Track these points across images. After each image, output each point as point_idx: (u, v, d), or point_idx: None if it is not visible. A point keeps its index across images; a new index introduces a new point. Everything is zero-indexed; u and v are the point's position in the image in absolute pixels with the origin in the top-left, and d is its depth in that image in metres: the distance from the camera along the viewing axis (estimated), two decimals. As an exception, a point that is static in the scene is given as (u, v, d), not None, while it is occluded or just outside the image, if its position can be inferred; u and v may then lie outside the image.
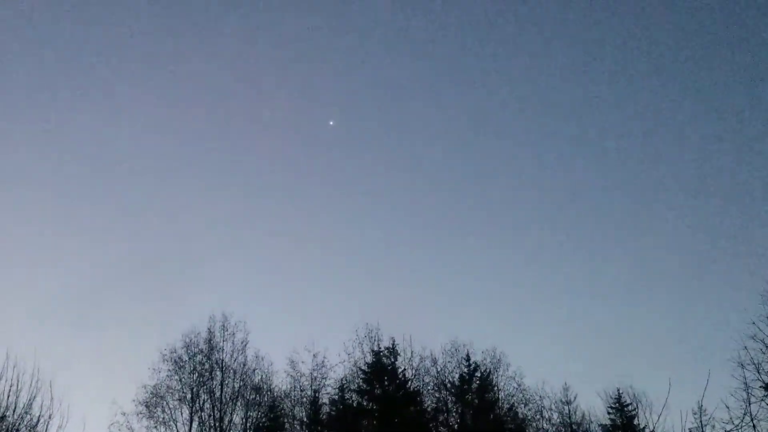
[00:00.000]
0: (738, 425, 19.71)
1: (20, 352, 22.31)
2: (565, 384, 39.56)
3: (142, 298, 63.43)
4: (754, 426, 20.83)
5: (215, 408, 37.12)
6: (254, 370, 39.33)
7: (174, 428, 36.70)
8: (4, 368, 21.91)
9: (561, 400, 39.18)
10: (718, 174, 67.98)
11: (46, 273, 64.89)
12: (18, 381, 21.85)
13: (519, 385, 39.45)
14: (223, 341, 39.28)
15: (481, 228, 70.69)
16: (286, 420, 38.74)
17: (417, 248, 68.09)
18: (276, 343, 62.15)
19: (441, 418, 37.97)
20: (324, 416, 38.06)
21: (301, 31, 71.14)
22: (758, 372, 25.16)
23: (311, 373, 39.16)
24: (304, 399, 39.21)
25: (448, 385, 38.72)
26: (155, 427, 36.44)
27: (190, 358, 38.60)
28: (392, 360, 37.58)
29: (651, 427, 33.38)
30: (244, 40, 70.62)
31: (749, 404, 22.46)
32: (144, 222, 68.93)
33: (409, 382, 37.72)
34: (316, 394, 38.81)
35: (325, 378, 39.04)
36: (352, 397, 37.64)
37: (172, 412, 37.00)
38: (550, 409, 39.03)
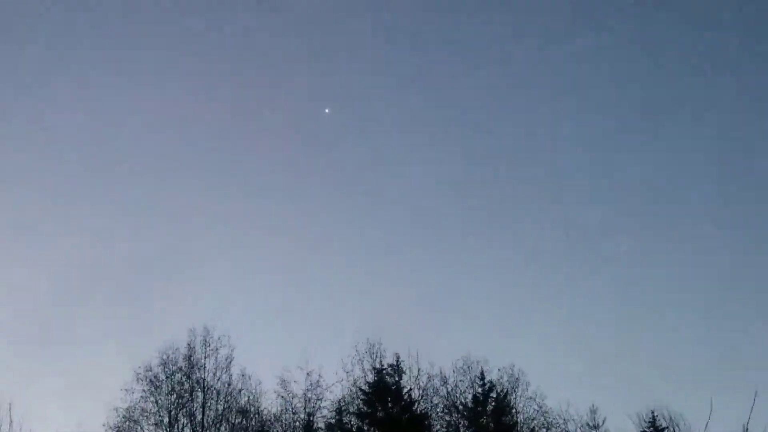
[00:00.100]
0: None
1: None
2: (593, 406, 38.48)
3: (114, 310, 58.93)
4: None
5: (196, 433, 36.43)
6: (240, 391, 38.47)
7: (149, 456, 36.15)
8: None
9: (588, 424, 38.22)
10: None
11: (4, 282, 60.75)
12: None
13: (540, 407, 38.68)
14: (205, 358, 38.49)
15: (497, 231, 67.84)
16: (275, 446, 38.08)
17: (420, 252, 65.74)
18: (265, 360, 57.76)
19: (452, 444, 37.46)
20: (319, 442, 37.53)
21: (301, 28, 71.46)
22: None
23: (305, 394, 37.92)
24: (297, 423, 38.06)
25: (460, 407, 38.05)
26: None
27: (167, 377, 37.68)
28: (396, 379, 36.82)
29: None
30: (244, 39, 71.08)
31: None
32: (123, 224, 65.74)
33: (416, 404, 36.92)
34: (311, 418, 37.66)
35: (321, 399, 37.99)
36: (351, 420, 36.86)
37: (148, 438, 36.34)
38: (576, 435, 38.42)
